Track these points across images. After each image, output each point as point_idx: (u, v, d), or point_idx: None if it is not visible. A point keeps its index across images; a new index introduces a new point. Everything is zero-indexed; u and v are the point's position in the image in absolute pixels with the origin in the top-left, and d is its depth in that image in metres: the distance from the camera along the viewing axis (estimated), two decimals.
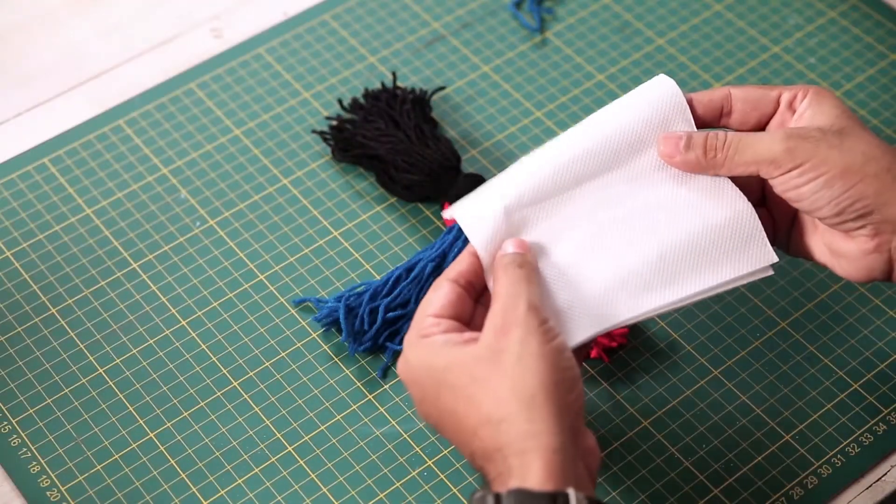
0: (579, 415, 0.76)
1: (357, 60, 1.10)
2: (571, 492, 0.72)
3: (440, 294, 0.80)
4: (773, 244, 0.85)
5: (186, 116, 1.07)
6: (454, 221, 0.98)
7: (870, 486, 0.89)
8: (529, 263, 0.80)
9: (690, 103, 0.84)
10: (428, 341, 0.78)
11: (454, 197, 0.99)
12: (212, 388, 0.92)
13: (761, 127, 0.85)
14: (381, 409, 0.92)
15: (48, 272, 0.98)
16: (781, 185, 0.81)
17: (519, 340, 0.75)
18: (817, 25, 1.13)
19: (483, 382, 0.75)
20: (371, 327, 0.94)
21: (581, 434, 0.76)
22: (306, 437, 0.90)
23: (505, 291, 0.78)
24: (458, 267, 0.81)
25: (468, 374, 0.76)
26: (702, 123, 0.85)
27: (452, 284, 0.81)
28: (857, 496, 0.88)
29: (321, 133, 1.05)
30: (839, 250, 0.84)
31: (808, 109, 0.83)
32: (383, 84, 1.06)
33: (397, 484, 0.88)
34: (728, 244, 0.82)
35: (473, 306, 0.82)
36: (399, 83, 1.08)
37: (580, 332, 0.80)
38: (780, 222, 0.87)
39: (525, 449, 0.73)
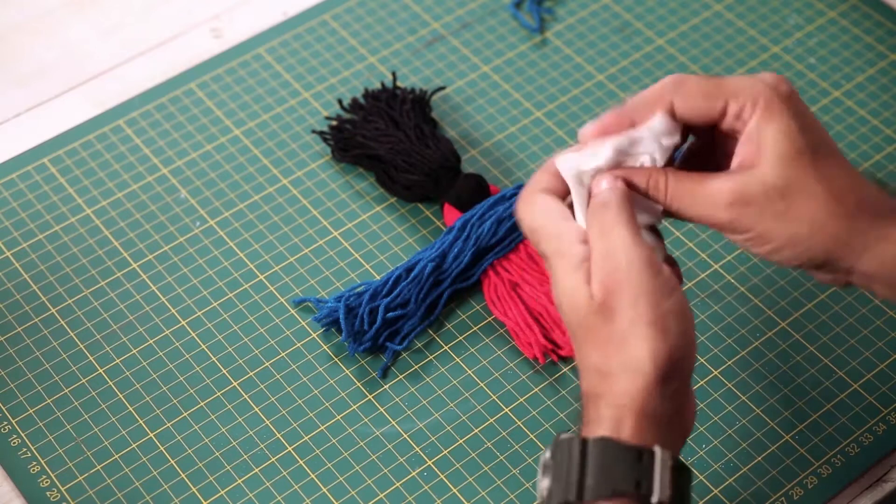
0: (686, 379, 0.75)
1: (357, 60, 1.10)
2: (658, 450, 0.72)
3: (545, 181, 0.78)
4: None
5: (186, 116, 1.07)
6: (454, 221, 0.98)
7: (870, 487, 0.89)
8: (625, 199, 0.76)
9: (629, 120, 0.78)
10: (550, 214, 0.77)
11: (454, 197, 0.99)
12: (212, 388, 0.92)
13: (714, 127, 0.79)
14: (381, 409, 0.92)
15: (48, 272, 0.98)
16: (729, 237, 0.78)
17: (630, 304, 0.73)
18: (817, 25, 1.13)
19: (596, 336, 0.74)
20: (371, 327, 0.94)
21: (682, 395, 0.76)
22: (306, 437, 0.90)
23: (610, 243, 0.75)
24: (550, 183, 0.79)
25: (583, 323, 0.74)
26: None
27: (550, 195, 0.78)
28: (857, 496, 0.88)
29: (321, 133, 1.05)
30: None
31: (756, 142, 0.76)
32: (383, 84, 1.06)
33: (397, 484, 0.88)
34: None
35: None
36: (399, 83, 1.08)
37: None
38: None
39: (621, 404, 0.73)
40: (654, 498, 0.72)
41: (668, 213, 0.79)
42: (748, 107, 0.76)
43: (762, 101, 0.76)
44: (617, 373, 0.73)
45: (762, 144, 0.75)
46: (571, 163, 0.78)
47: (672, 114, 0.77)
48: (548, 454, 0.74)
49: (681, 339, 0.74)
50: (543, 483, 0.74)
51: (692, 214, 0.77)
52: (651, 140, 0.78)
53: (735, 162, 0.77)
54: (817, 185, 0.75)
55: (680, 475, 0.73)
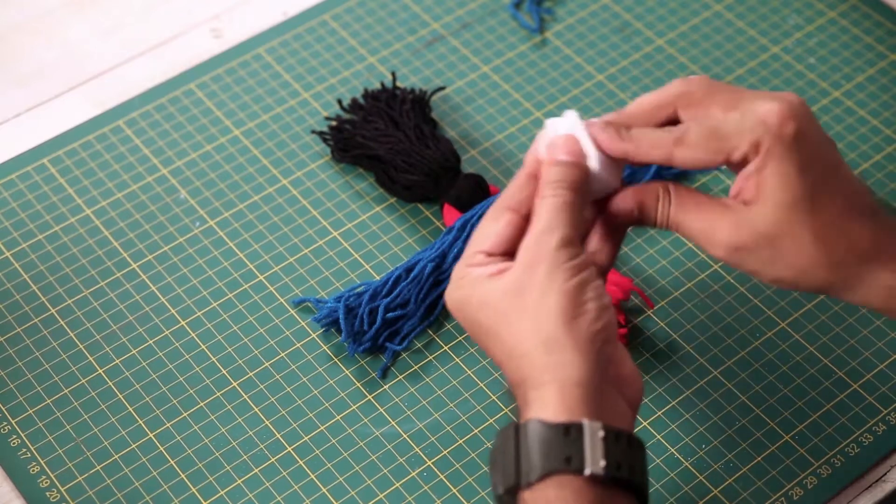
0: (609, 342, 0.75)
1: (357, 61, 1.11)
2: (586, 422, 0.72)
3: (496, 228, 0.79)
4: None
5: (186, 117, 1.07)
6: (454, 221, 0.98)
7: (869, 487, 0.89)
8: (576, 182, 0.78)
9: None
10: (466, 279, 0.78)
11: (454, 197, 0.99)
12: (211, 389, 0.92)
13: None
14: (381, 410, 0.92)
15: (48, 272, 0.98)
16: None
17: (545, 275, 0.75)
18: (817, 26, 1.13)
19: (508, 318, 0.75)
20: (371, 328, 0.94)
21: (616, 362, 0.76)
22: (306, 438, 0.90)
23: (542, 222, 0.76)
24: (521, 194, 0.79)
25: (496, 310, 0.76)
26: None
27: (512, 215, 0.79)
28: (856, 496, 0.88)
29: (321, 133, 1.05)
30: None
31: (757, 176, 0.76)
32: (383, 84, 1.06)
33: (397, 484, 0.88)
34: None
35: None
36: (399, 83, 1.08)
37: None
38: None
39: (543, 382, 0.73)
40: (587, 470, 0.72)
41: (660, 225, 0.80)
42: (750, 155, 0.77)
43: (764, 147, 0.76)
44: (532, 350, 0.74)
45: (760, 188, 0.76)
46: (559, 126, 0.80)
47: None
48: (493, 445, 0.75)
49: (591, 304, 0.75)
50: (491, 474, 0.75)
51: (691, 235, 0.79)
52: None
53: (733, 190, 0.78)
54: (807, 234, 0.76)
55: (618, 443, 0.73)
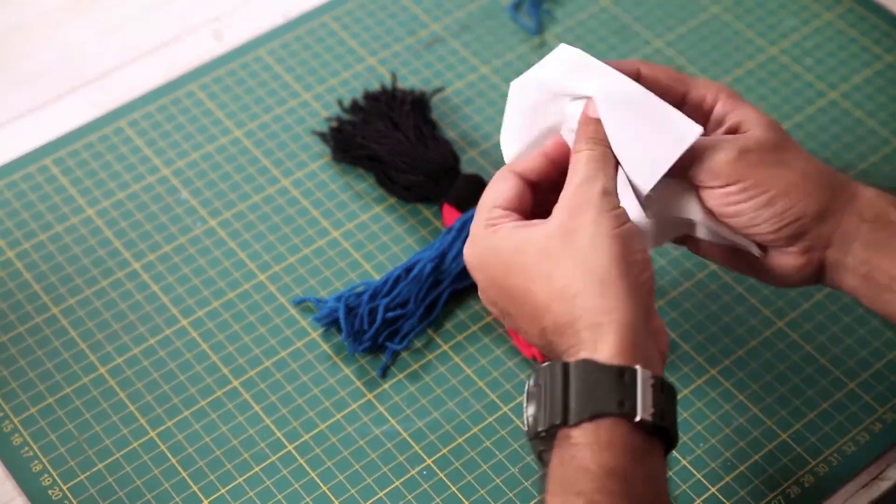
0: (651, 294, 0.77)
1: (357, 62, 1.11)
2: (639, 368, 0.73)
3: (508, 186, 0.81)
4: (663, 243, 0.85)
5: (187, 118, 1.07)
6: (453, 222, 0.98)
7: (866, 485, 0.89)
8: (606, 142, 0.79)
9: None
10: (495, 229, 0.79)
11: (453, 198, 0.99)
12: (212, 388, 0.93)
13: None
14: (381, 409, 0.92)
15: (50, 272, 0.98)
16: (719, 199, 0.80)
17: (592, 220, 0.76)
18: (814, 28, 1.13)
19: (556, 258, 0.76)
20: (370, 327, 0.94)
21: (652, 315, 0.77)
22: (306, 437, 0.91)
23: (582, 171, 0.78)
24: (528, 164, 0.82)
25: (541, 251, 0.76)
26: None
27: (518, 180, 0.81)
28: (853, 494, 0.89)
29: (321, 134, 1.05)
30: (767, 265, 0.83)
31: (732, 116, 0.81)
32: (383, 85, 1.07)
33: (397, 483, 0.89)
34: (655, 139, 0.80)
35: (531, 207, 0.81)
36: (398, 84, 1.09)
37: None
38: None
39: (598, 322, 0.74)
40: (638, 416, 0.72)
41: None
42: (710, 96, 0.82)
43: (723, 94, 0.82)
44: (585, 290, 0.74)
45: (743, 119, 0.81)
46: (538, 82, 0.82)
47: (637, 77, 0.81)
48: (531, 382, 0.75)
49: (639, 255, 0.76)
50: (529, 411, 0.75)
51: (691, 159, 0.79)
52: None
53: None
54: (800, 149, 0.81)
55: (662, 392, 0.73)
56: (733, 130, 0.81)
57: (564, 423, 0.72)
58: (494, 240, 0.78)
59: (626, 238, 0.76)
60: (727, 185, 0.79)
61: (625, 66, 0.81)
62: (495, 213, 0.80)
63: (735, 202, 0.79)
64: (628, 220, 0.77)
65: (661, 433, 0.74)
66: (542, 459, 0.74)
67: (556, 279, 0.75)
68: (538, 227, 0.77)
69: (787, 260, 0.81)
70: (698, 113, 0.82)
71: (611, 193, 0.77)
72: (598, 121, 0.80)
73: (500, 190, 0.81)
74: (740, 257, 0.84)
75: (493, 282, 0.79)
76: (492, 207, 0.80)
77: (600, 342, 0.73)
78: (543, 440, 0.74)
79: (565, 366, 0.73)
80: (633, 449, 0.72)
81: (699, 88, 0.83)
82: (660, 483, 0.73)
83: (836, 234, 0.80)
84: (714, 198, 0.80)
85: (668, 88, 0.82)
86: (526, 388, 0.75)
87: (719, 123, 0.82)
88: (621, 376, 0.72)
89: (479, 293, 0.81)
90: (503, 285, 0.78)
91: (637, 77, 0.81)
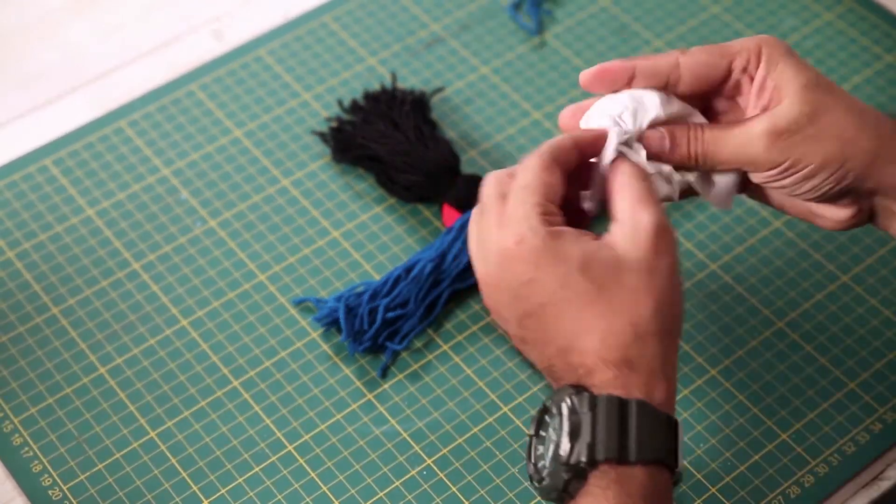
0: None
1: (357, 62, 1.11)
2: (679, 421, 0.75)
3: (555, 179, 0.76)
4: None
5: (187, 118, 1.07)
6: (453, 222, 0.98)
7: (866, 485, 0.89)
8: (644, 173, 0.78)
9: (631, 73, 0.80)
10: (557, 231, 0.75)
11: (453, 198, 0.99)
12: (212, 388, 0.93)
13: (711, 92, 0.82)
14: (381, 409, 0.92)
15: (50, 272, 0.98)
16: (760, 179, 0.80)
17: (670, 268, 0.75)
18: (814, 28, 1.13)
19: (631, 290, 0.74)
20: (371, 327, 0.94)
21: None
22: (306, 437, 0.91)
23: (656, 211, 0.76)
24: (568, 155, 0.78)
25: (615, 275, 0.74)
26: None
27: (561, 173, 0.77)
28: (853, 494, 0.89)
29: (321, 134, 1.05)
30: (818, 212, 0.83)
31: (772, 83, 0.80)
32: (383, 85, 1.07)
33: (397, 483, 0.89)
34: None
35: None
36: (398, 84, 1.09)
37: None
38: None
39: (655, 369, 0.74)
40: (679, 467, 0.74)
41: (699, 167, 0.80)
42: (752, 59, 0.80)
43: (765, 51, 0.80)
44: (649, 332, 0.74)
45: (780, 83, 0.79)
46: (603, 113, 0.79)
47: (676, 68, 0.80)
48: (568, 405, 0.73)
49: (681, 306, 0.77)
50: (565, 438, 0.73)
51: (727, 154, 0.79)
52: (654, 108, 0.80)
53: (750, 114, 0.80)
54: (840, 105, 0.79)
55: (680, 443, 0.75)
56: (771, 99, 0.80)
57: (619, 458, 0.72)
58: (559, 242, 0.74)
59: (681, 296, 0.76)
60: (769, 169, 0.79)
61: (663, 58, 0.80)
62: (549, 208, 0.76)
63: (777, 180, 0.80)
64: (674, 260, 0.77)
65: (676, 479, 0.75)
66: (567, 489, 0.73)
67: (622, 308, 0.74)
68: (607, 248, 0.75)
69: (836, 211, 0.82)
70: (740, 93, 0.81)
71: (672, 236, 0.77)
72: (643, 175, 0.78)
73: (550, 185, 0.76)
74: (795, 205, 0.84)
75: (534, 279, 0.75)
76: (545, 202, 0.76)
77: (655, 389, 0.74)
78: (575, 470, 0.73)
79: (622, 402, 0.73)
80: (670, 498, 0.74)
81: (741, 56, 0.80)
82: None
83: (885, 181, 0.80)
84: (757, 179, 0.81)
85: (712, 67, 0.80)
86: (553, 409, 0.74)
87: (761, 90, 0.80)
88: (670, 425, 0.74)
89: (483, 284, 0.77)
90: (549, 288, 0.75)
91: (676, 66, 0.80)
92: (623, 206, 0.76)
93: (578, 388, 0.73)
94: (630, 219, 0.75)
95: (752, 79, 0.80)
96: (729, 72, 0.80)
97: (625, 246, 0.75)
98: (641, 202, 0.76)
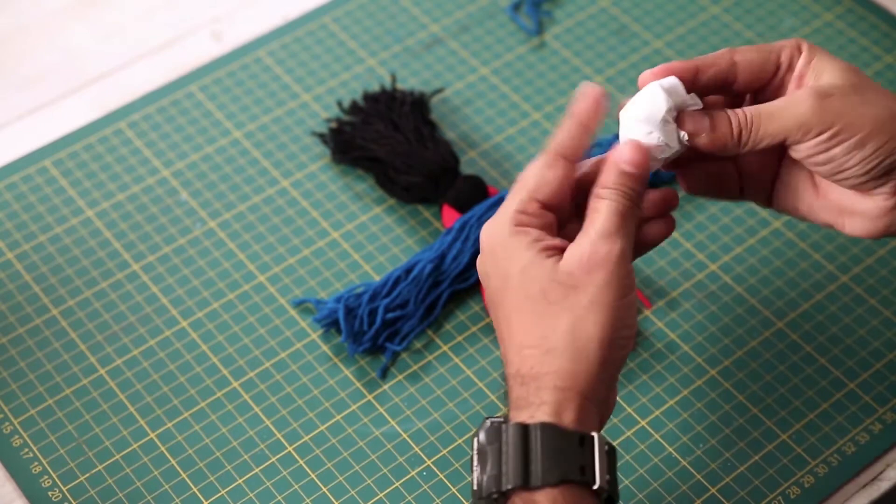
0: (620, 369, 0.77)
1: (356, 63, 1.11)
2: (596, 436, 0.74)
3: (553, 175, 0.77)
4: (742, 198, 0.84)
5: (187, 119, 1.07)
6: (453, 222, 0.99)
7: (866, 485, 0.89)
8: (635, 192, 0.77)
9: (695, 72, 0.80)
10: (520, 230, 0.76)
11: (453, 199, 0.99)
12: (212, 389, 0.93)
13: (760, 88, 0.82)
14: (381, 410, 0.92)
15: (50, 274, 0.98)
16: (808, 150, 0.79)
17: (600, 285, 0.74)
18: (813, 28, 1.13)
19: (549, 306, 0.74)
20: (370, 328, 0.94)
21: (613, 387, 0.77)
22: (306, 438, 0.91)
23: (600, 225, 0.76)
24: (573, 142, 0.78)
25: (539, 291, 0.75)
26: (706, 93, 0.82)
27: (566, 163, 0.77)
28: (853, 495, 0.89)
29: (321, 135, 1.05)
30: (853, 209, 0.82)
31: (811, 69, 0.80)
32: (382, 86, 1.07)
33: (397, 484, 0.89)
34: None
35: (572, 199, 0.79)
36: (398, 85, 1.09)
37: None
38: (755, 178, 0.85)
39: (564, 388, 0.74)
40: (596, 484, 0.73)
41: (741, 147, 0.79)
42: (795, 54, 0.81)
43: (804, 46, 0.81)
44: (562, 351, 0.74)
45: (820, 69, 0.80)
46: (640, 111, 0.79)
47: (734, 67, 0.80)
48: (481, 439, 0.75)
49: (627, 332, 0.76)
50: (482, 470, 0.74)
51: (776, 126, 0.78)
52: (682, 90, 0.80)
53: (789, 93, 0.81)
54: (878, 87, 0.80)
55: (609, 458, 0.74)
56: (811, 80, 0.80)
57: (525, 485, 0.73)
58: (514, 241, 0.76)
59: (623, 311, 0.75)
60: (819, 134, 0.78)
61: (717, 57, 0.80)
62: (531, 206, 0.77)
63: (826, 149, 0.78)
64: (633, 289, 0.76)
65: (609, 500, 0.75)
66: None
67: (538, 326, 0.75)
68: (551, 262, 0.75)
69: (874, 203, 0.80)
70: (788, 80, 0.81)
71: (627, 258, 0.76)
72: (631, 175, 0.77)
73: (545, 178, 0.77)
74: (826, 205, 0.83)
75: (493, 273, 0.77)
76: (531, 199, 0.77)
77: (564, 409, 0.73)
78: (494, 501, 0.74)
79: (524, 427, 0.73)
80: None
81: (785, 51, 0.81)
82: None
83: None
84: (804, 150, 0.79)
85: (763, 63, 0.80)
86: (475, 445, 0.75)
87: (801, 76, 0.80)
88: (582, 443, 0.73)
89: (479, 271, 0.79)
90: (497, 289, 0.77)
91: (732, 65, 0.80)
92: (593, 227, 0.76)
93: (493, 419, 0.75)
94: (590, 243, 0.75)
95: (793, 71, 0.81)
96: (777, 67, 0.81)
97: (569, 261, 0.75)
98: (592, 216, 0.76)
